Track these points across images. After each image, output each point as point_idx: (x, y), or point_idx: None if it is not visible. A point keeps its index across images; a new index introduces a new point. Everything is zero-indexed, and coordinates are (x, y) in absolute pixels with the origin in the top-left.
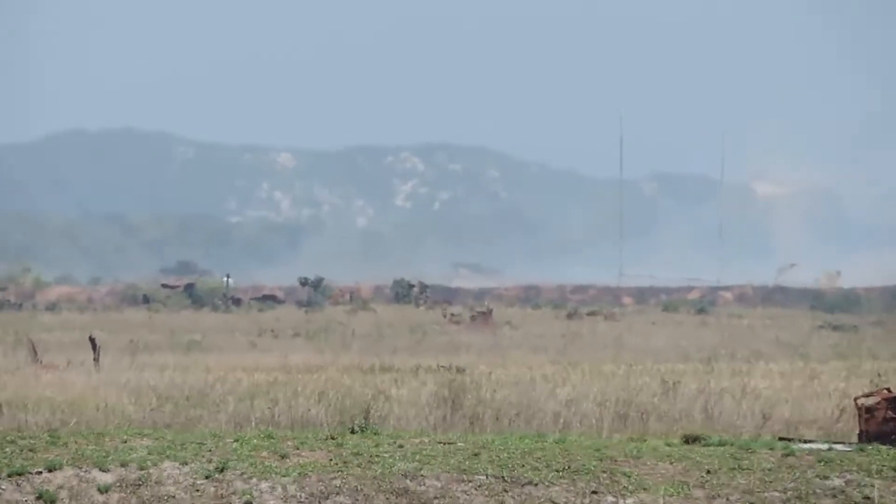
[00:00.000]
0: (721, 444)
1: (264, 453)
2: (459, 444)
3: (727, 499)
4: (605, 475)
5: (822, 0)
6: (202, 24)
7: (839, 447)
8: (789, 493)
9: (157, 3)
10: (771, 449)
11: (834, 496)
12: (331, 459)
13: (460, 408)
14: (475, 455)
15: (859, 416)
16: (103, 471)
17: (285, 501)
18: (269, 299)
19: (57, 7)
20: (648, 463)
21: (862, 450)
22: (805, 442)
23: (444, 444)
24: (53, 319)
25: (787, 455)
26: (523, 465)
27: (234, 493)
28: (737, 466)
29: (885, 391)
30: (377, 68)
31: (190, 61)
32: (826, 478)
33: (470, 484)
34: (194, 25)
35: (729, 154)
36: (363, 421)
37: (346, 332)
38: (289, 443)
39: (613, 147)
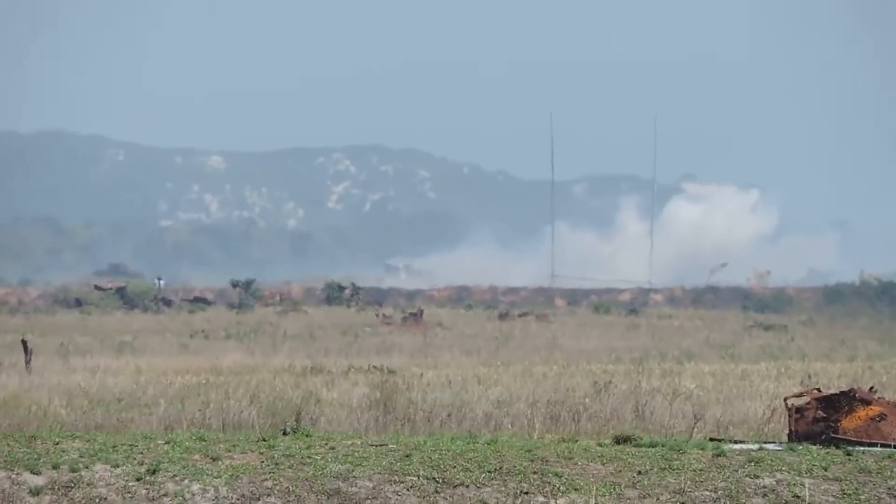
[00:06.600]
0: (652, 444)
1: (196, 455)
2: (391, 445)
3: (658, 499)
4: (536, 476)
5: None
6: (129, 26)
7: (770, 447)
8: (720, 492)
9: (85, 6)
10: (702, 449)
11: (764, 495)
12: (262, 461)
13: (392, 409)
14: (407, 456)
15: (789, 416)
16: (35, 473)
17: (217, 503)
18: (199, 301)
19: None
20: (580, 463)
21: (792, 449)
22: (736, 442)
23: (376, 445)
24: None
25: (718, 455)
26: (455, 467)
27: (165, 494)
28: (668, 467)
29: (815, 391)
30: (306, 70)
31: (119, 64)
32: (757, 477)
33: (402, 485)
34: (121, 28)
35: (661, 156)
36: (295, 423)
37: (276, 334)
38: (220, 445)
39: (545, 149)
